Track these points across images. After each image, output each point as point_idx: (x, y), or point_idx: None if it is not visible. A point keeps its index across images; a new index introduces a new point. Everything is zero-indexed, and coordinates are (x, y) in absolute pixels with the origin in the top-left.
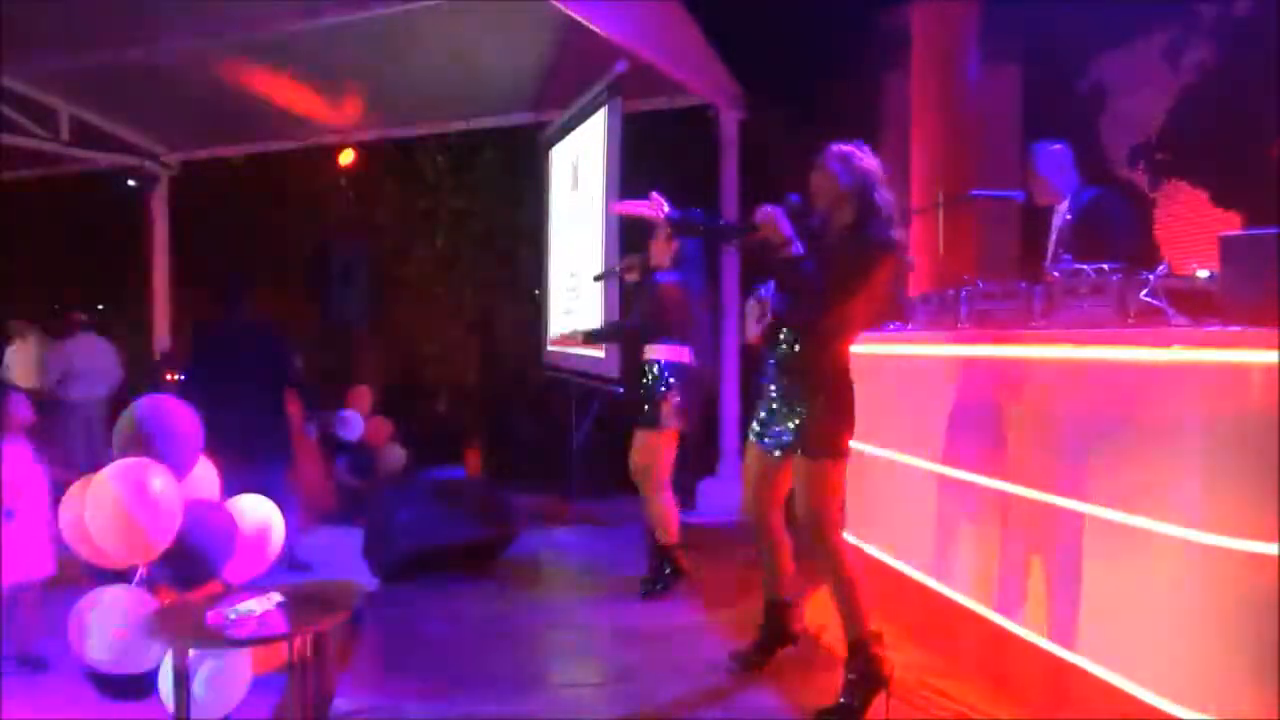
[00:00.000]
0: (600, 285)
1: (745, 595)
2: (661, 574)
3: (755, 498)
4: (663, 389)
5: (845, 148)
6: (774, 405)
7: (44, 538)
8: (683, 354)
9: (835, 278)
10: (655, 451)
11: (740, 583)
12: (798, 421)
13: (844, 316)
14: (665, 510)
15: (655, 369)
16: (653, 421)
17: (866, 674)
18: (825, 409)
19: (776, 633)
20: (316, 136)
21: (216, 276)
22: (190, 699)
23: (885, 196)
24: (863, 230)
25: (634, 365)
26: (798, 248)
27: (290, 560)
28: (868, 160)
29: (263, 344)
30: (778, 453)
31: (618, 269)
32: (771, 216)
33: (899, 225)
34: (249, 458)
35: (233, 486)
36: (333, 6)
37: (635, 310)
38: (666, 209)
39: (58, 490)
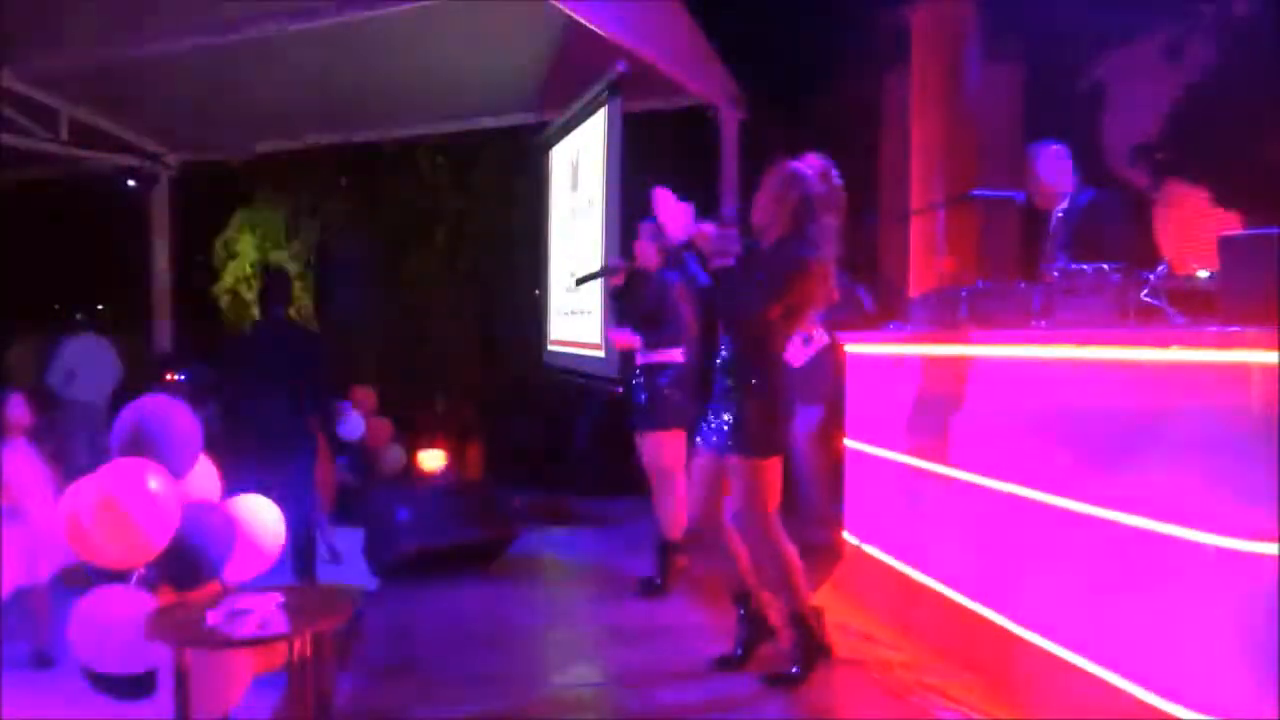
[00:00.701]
0: (598, 285)
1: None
2: (662, 573)
3: (706, 498)
4: (667, 389)
5: (796, 168)
6: (718, 408)
7: (53, 536)
8: (679, 354)
9: (759, 287)
10: (665, 451)
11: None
12: (731, 422)
13: (767, 322)
14: (676, 509)
15: (658, 369)
16: (661, 422)
17: (807, 644)
18: (755, 409)
19: (756, 627)
20: (316, 136)
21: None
22: (190, 699)
23: (823, 222)
24: (786, 245)
25: (632, 365)
26: (728, 259)
27: (330, 553)
28: (814, 186)
29: (298, 345)
30: (720, 454)
31: (601, 272)
32: (704, 232)
33: (826, 245)
34: (280, 456)
35: (263, 484)
36: (334, 6)
37: (633, 310)
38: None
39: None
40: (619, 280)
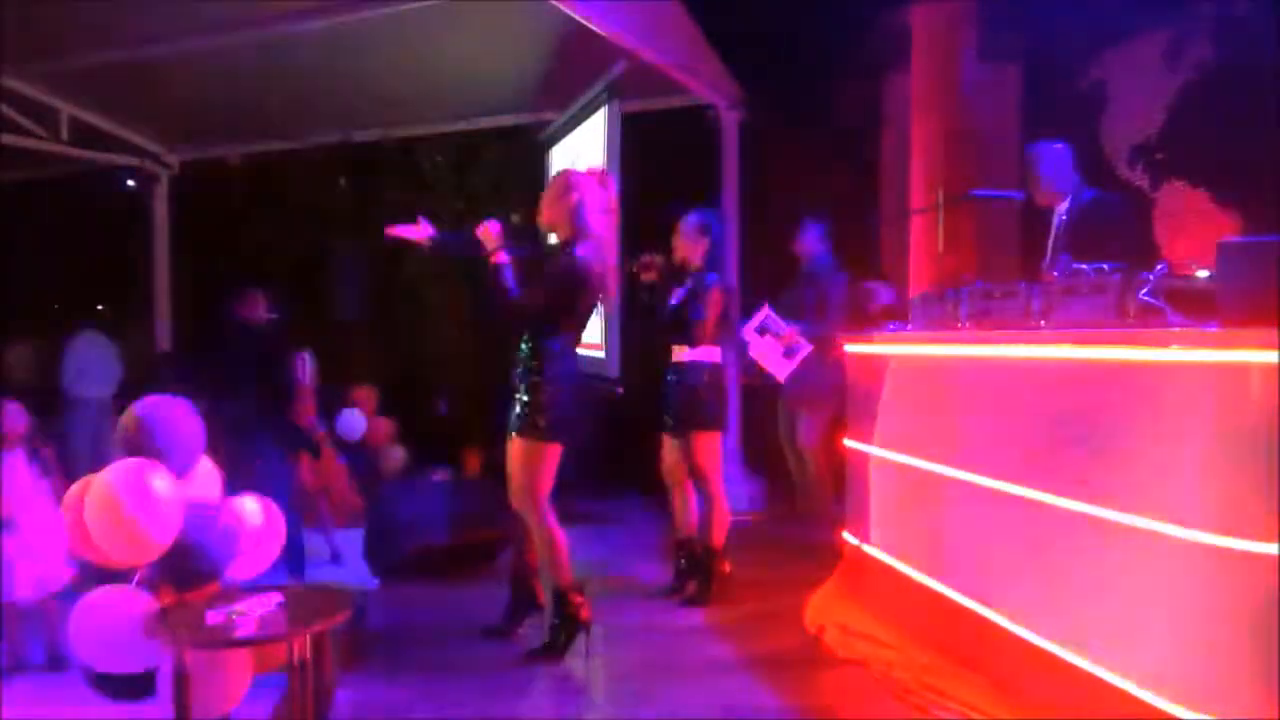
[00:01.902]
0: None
1: (745, 595)
2: (707, 580)
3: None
4: (708, 391)
5: (576, 176)
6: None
7: (56, 546)
8: (718, 354)
9: (535, 286)
10: (714, 453)
11: (740, 582)
12: (516, 407)
13: (541, 317)
14: (726, 513)
15: (698, 370)
16: (706, 423)
17: (566, 617)
18: (530, 395)
19: (526, 599)
20: (316, 136)
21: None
22: (190, 699)
23: (597, 224)
24: (567, 248)
25: (664, 365)
26: (503, 256)
27: (332, 554)
28: (589, 193)
29: (256, 343)
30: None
31: (632, 267)
32: (488, 229)
33: (599, 250)
34: (247, 455)
35: (232, 484)
36: (333, 6)
37: (672, 311)
38: (430, 232)
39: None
40: (653, 275)
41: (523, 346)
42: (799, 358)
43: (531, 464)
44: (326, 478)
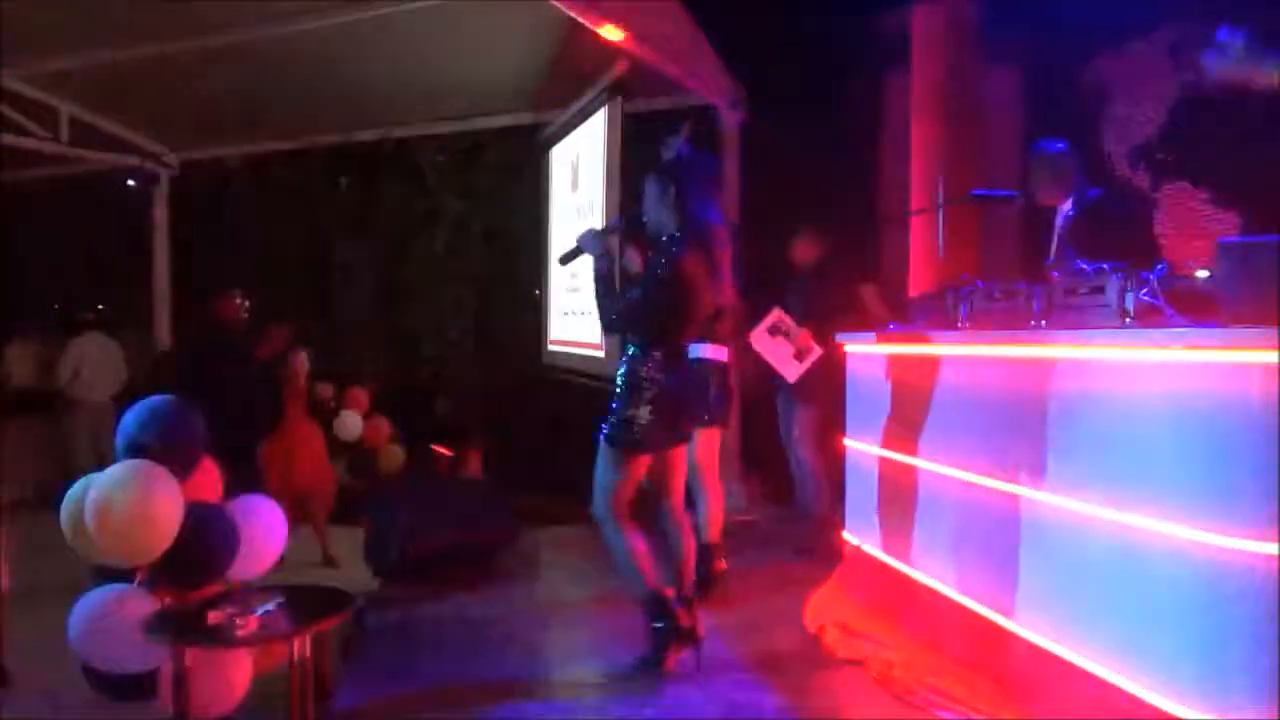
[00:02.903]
0: (598, 285)
1: (746, 595)
2: (709, 576)
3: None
4: (717, 387)
5: (668, 165)
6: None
7: None
8: (724, 353)
9: (645, 285)
10: (715, 449)
11: (740, 582)
12: (610, 411)
13: (639, 320)
14: (721, 508)
15: (710, 367)
16: (713, 419)
17: (667, 623)
18: (623, 401)
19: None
20: (316, 136)
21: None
22: (190, 699)
23: (701, 209)
24: (669, 243)
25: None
26: (601, 266)
27: (325, 558)
28: (686, 177)
29: (233, 342)
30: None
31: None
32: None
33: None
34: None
35: None
36: (333, 6)
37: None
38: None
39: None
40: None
41: (626, 350)
42: (810, 360)
43: (614, 470)
44: (319, 479)
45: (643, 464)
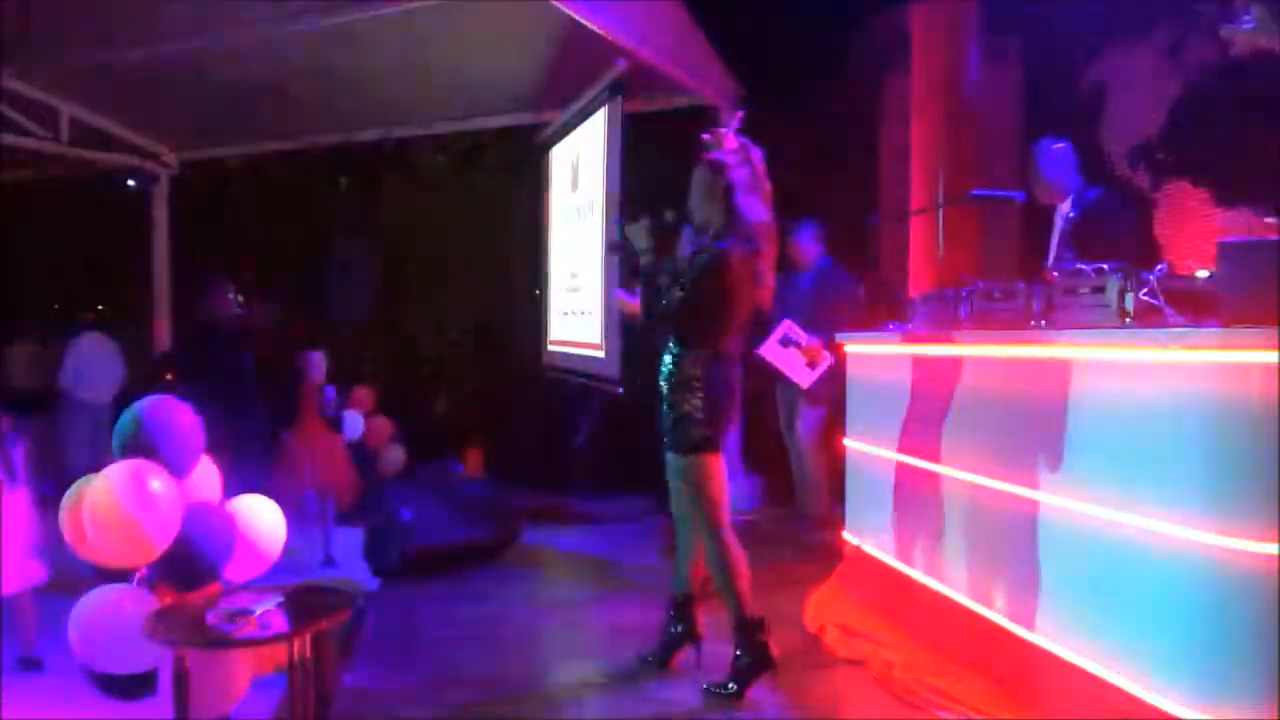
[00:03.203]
0: (599, 285)
1: None
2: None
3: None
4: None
5: (718, 159)
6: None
7: (25, 548)
8: None
9: (689, 284)
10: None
11: None
12: (668, 422)
13: (685, 323)
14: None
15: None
16: None
17: (754, 653)
18: (679, 409)
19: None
20: (317, 136)
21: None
22: (190, 699)
23: (749, 207)
24: (714, 242)
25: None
26: (648, 261)
27: (325, 557)
28: (736, 172)
29: (221, 343)
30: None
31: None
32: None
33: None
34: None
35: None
36: (333, 6)
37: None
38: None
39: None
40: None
41: (668, 355)
42: (823, 368)
43: (698, 480)
44: (331, 473)
45: (722, 463)
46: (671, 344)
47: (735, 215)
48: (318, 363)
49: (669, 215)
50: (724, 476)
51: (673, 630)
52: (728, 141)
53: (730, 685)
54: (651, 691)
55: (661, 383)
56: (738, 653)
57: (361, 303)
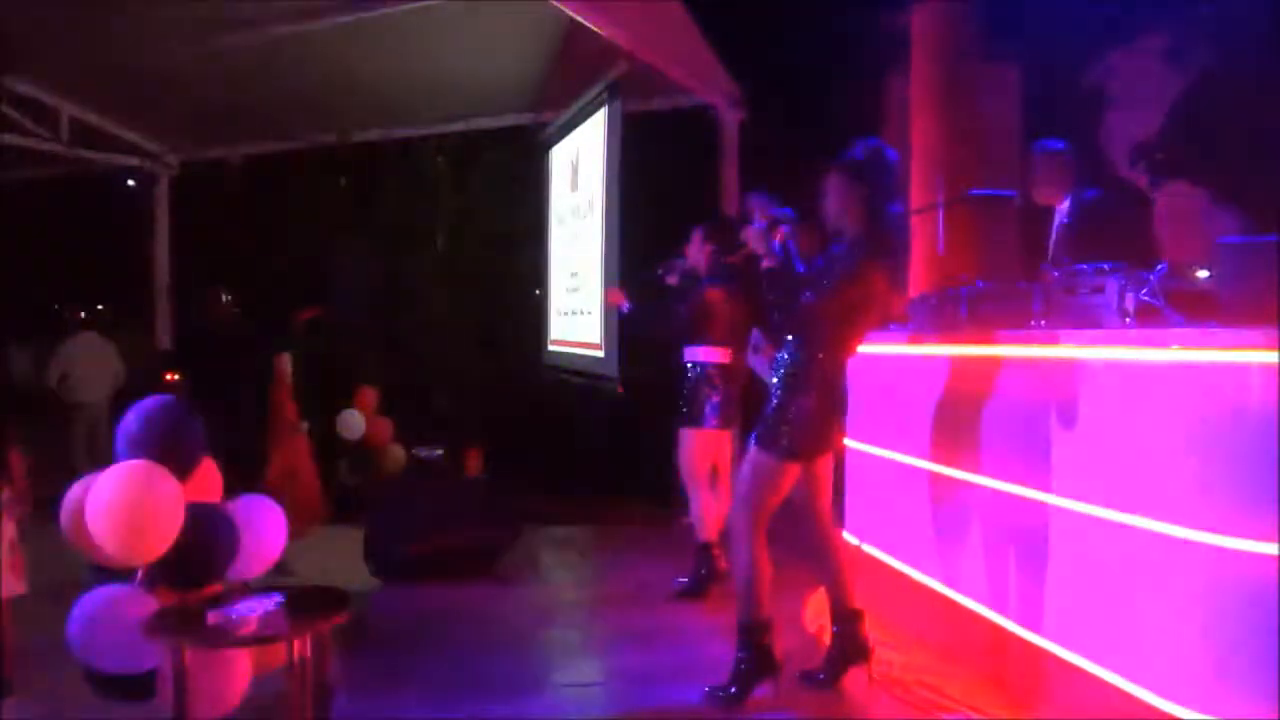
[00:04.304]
0: (599, 285)
1: None
2: (697, 574)
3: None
4: (705, 389)
5: (851, 161)
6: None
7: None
8: (725, 355)
9: (820, 289)
10: (695, 450)
11: None
12: (767, 413)
13: (807, 323)
14: (703, 509)
15: (697, 369)
16: (694, 420)
17: (758, 656)
18: (779, 407)
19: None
20: (316, 136)
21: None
22: (190, 699)
23: (884, 215)
24: (859, 242)
25: (676, 365)
26: (770, 262)
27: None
28: (875, 177)
29: (220, 340)
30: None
31: (660, 271)
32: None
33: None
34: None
35: None
36: (333, 6)
37: (676, 312)
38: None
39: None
40: (673, 280)
41: (785, 353)
42: None
43: (759, 479)
44: (295, 480)
45: (794, 474)
46: (792, 343)
47: (875, 220)
48: (284, 364)
49: (788, 213)
50: (787, 488)
51: (748, 664)
52: (870, 140)
53: (732, 688)
54: (652, 693)
55: (774, 379)
56: (740, 655)
57: (361, 303)
